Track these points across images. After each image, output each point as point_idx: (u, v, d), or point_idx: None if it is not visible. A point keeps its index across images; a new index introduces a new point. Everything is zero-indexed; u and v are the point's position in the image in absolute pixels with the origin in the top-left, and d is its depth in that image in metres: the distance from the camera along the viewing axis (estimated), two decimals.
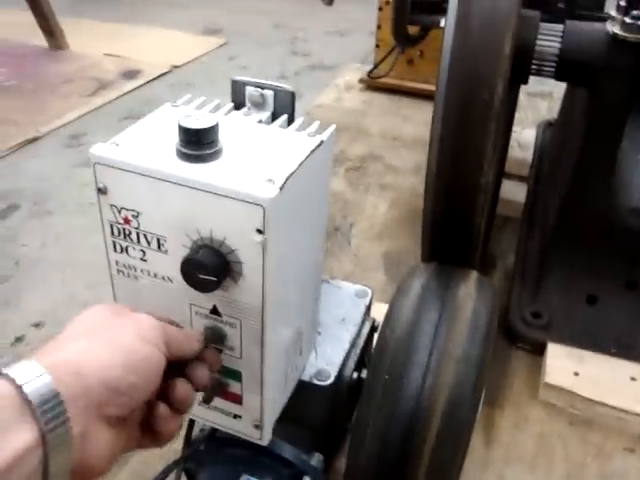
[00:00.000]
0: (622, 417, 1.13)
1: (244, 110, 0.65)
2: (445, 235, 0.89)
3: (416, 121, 2.09)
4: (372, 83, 2.31)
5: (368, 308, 0.90)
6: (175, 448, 0.80)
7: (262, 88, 0.63)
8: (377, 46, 2.30)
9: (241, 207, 0.49)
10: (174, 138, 0.53)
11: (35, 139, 2.00)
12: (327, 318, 0.86)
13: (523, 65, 1.10)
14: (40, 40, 2.68)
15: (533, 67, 1.11)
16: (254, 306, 0.55)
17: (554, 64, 1.10)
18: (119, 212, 0.55)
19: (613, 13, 1.07)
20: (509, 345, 1.26)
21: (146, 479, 0.98)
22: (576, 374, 1.16)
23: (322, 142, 0.58)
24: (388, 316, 0.80)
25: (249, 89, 0.63)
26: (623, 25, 1.02)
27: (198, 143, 0.51)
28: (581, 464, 1.06)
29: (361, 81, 2.34)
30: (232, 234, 0.51)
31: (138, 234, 0.55)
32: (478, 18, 0.89)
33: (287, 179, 0.50)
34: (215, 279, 0.52)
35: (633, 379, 1.17)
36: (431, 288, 0.81)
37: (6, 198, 1.71)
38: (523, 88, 1.23)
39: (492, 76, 0.88)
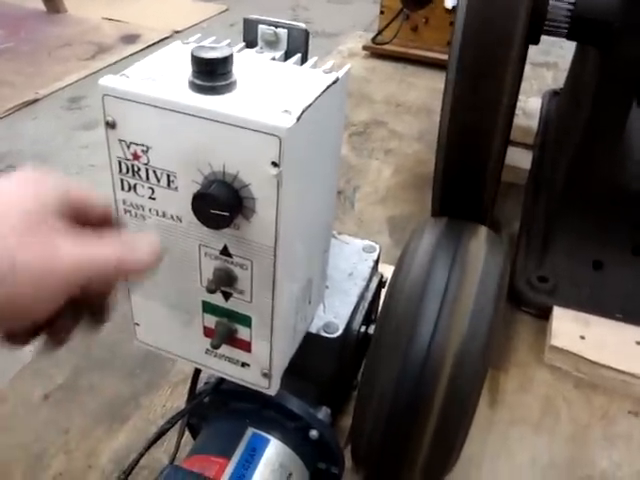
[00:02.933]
0: (627, 380, 1.12)
1: (257, 49, 0.62)
2: (457, 188, 0.87)
3: (420, 88, 2.06)
4: (376, 50, 2.28)
5: (376, 263, 0.89)
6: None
7: (275, 27, 0.61)
8: (381, 12, 2.26)
9: (256, 138, 0.47)
10: (186, 71, 0.51)
11: (34, 101, 1.98)
12: (335, 272, 0.84)
13: (535, 24, 1.07)
14: (38, 3, 2.64)
15: (546, 26, 1.09)
16: (267, 245, 0.54)
17: (567, 23, 1.08)
18: (128, 147, 0.53)
19: None
20: (515, 309, 1.25)
21: (148, 434, 0.97)
22: (582, 337, 1.15)
23: (338, 79, 0.56)
24: (397, 270, 0.79)
25: (262, 27, 0.61)
26: None
27: (212, 74, 0.49)
28: (586, 426, 1.06)
29: (365, 48, 2.31)
30: (246, 167, 0.50)
31: (147, 170, 0.53)
32: None
33: (304, 111, 0.48)
34: (227, 214, 0.50)
35: (638, 343, 1.16)
36: (441, 242, 0.79)
37: (4, 160, 1.69)
38: (528, 58, 1.20)
39: (509, 34, 0.86)
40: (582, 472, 0.99)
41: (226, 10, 2.81)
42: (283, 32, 0.62)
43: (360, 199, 1.51)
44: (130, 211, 0.58)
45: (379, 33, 2.19)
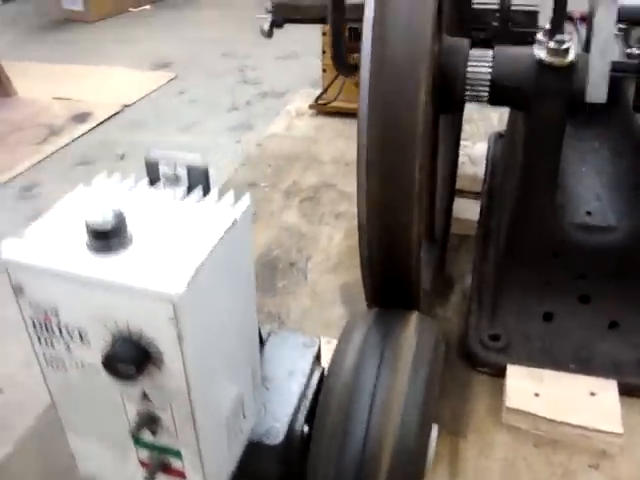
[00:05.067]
0: (584, 434, 1.13)
1: (159, 185, 0.64)
2: (383, 279, 0.89)
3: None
4: (322, 108, 2.32)
5: (317, 357, 0.90)
6: None
7: (175, 166, 0.63)
8: (324, 71, 2.31)
9: (152, 302, 0.49)
10: (84, 228, 0.52)
11: None
12: (276, 371, 0.86)
13: (455, 92, 1.11)
14: None
15: (467, 94, 1.12)
16: (180, 390, 0.55)
17: (487, 90, 1.11)
18: (38, 308, 0.54)
19: (540, 37, 1.08)
20: (470, 369, 1.26)
21: None
22: (537, 395, 1.17)
23: (235, 221, 0.57)
24: (331, 367, 0.80)
25: (162, 167, 0.63)
26: (549, 50, 1.03)
27: (106, 238, 0.51)
28: None
29: (311, 107, 2.34)
30: (148, 325, 0.51)
31: (60, 327, 0.55)
32: (393, 53, 0.88)
33: (197, 271, 0.50)
34: (135, 370, 0.51)
35: (592, 394, 1.18)
36: (371, 336, 0.81)
37: None
38: None
39: (411, 112, 0.86)
40: None
41: (175, 78, 2.85)
42: (183, 172, 0.63)
43: (312, 269, 1.53)
44: (51, 363, 0.59)
45: (322, 93, 2.24)
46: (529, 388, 1.18)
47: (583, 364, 1.23)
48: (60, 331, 0.55)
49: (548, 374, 1.21)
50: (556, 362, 1.23)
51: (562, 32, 1.04)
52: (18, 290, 0.54)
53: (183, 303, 0.49)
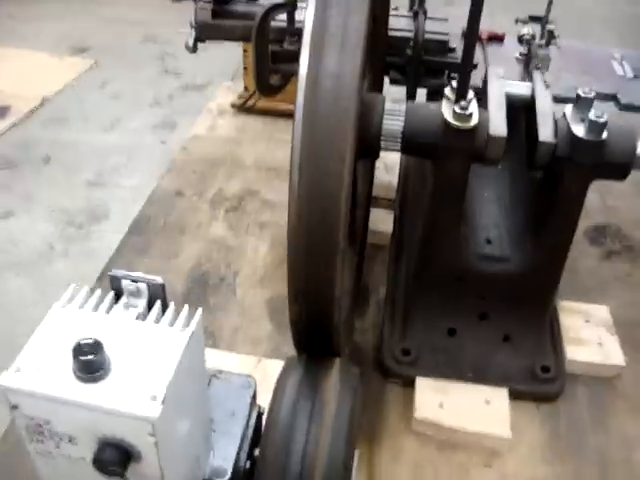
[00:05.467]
0: (480, 438, 1.33)
1: (123, 301, 0.75)
2: (307, 333, 1.03)
3: (288, 145, 2.20)
4: (241, 106, 2.38)
5: (253, 397, 1.04)
6: None
7: (136, 282, 0.74)
8: (245, 68, 2.37)
9: (135, 421, 0.61)
10: (68, 354, 0.64)
11: None
12: (220, 414, 0.99)
13: (372, 143, 1.23)
14: None
15: (382, 145, 1.25)
16: (156, 476, 0.67)
17: (399, 143, 1.24)
18: (31, 419, 0.65)
19: (447, 93, 1.21)
20: (384, 380, 1.43)
21: None
22: (441, 405, 1.35)
23: (192, 334, 0.70)
24: (269, 415, 0.94)
25: (125, 282, 0.74)
26: (454, 114, 1.17)
27: (90, 369, 0.62)
28: None
29: (233, 106, 2.41)
30: (130, 435, 0.63)
31: (51, 434, 0.66)
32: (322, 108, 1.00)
33: (167, 390, 0.62)
34: (121, 469, 0.64)
35: (487, 402, 1.37)
36: (302, 384, 0.96)
37: None
38: None
39: (340, 164, 0.98)
40: None
41: (94, 65, 2.83)
42: (143, 286, 0.74)
43: (240, 283, 1.65)
44: (42, 454, 0.70)
45: (249, 97, 2.29)
46: (434, 399, 1.36)
47: (480, 373, 1.42)
48: (51, 436, 0.66)
49: (451, 386, 1.39)
50: (458, 372, 1.41)
51: (465, 97, 1.18)
52: (14, 407, 0.65)
53: (159, 421, 0.61)
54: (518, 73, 1.55)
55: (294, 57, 1.69)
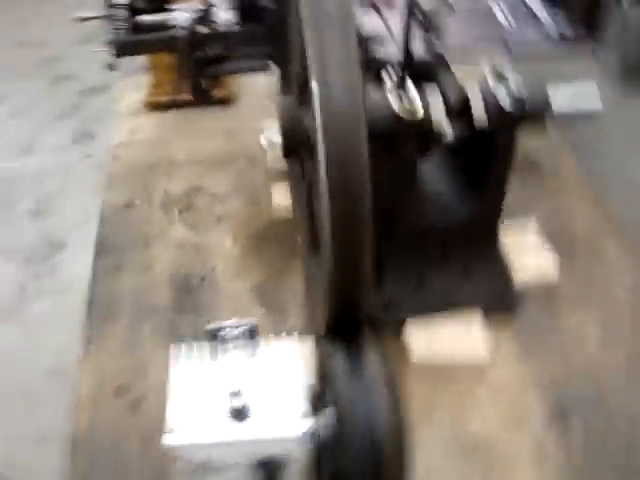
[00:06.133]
0: (468, 360, 1.58)
1: (228, 345, 0.90)
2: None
3: (212, 131, 2.30)
4: (157, 102, 2.43)
5: None
6: None
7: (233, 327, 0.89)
8: (151, 69, 2.41)
9: (290, 442, 0.78)
10: (213, 402, 0.79)
11: None
12: None
13: None
14: None
15: None
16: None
17: None
18: (194, 464, 0.81)
19: (389, 86, 1.39)
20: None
21: None
22: (430, 340, 1.60)
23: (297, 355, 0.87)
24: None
25: (224, 331, 0.89)
26: (402, 110, 1.35)
27: (242, 410, 0.79)
28: None
29: (146, 104, 2.45)
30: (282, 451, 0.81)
31: (209, 469, 0.82)
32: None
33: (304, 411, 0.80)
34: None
35: (465, 329, 1.63)
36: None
37: None
38: None
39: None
40: None
41: None
42: (241, 329, 0.90)
43: (221, 279, 1.79)
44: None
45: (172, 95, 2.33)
46: (424, 338, 1.59)
47: (452, 305, 1.66)
48: (209, 470, 0.82)
49: (434, 321, 1.62)
50: (435, 308, 1.65)
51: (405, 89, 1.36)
52: (177, 459, 0.80)
53: (303, 437, 0.79)
54: None
55: (220, 60, 1.82)
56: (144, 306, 1.73)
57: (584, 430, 1.50)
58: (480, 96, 1.43)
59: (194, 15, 1.72)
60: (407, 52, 1.40)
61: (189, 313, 1.70)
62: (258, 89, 2.28)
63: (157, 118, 2.42)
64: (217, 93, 2.21)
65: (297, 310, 1.71)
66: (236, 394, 0.78)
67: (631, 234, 1.94)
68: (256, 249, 1.88)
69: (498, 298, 1.71)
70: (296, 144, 1.39)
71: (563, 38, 1.87)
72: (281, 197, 1.98)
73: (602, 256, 1.89)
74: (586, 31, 1.99)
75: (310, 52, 1.04)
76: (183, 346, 0.90)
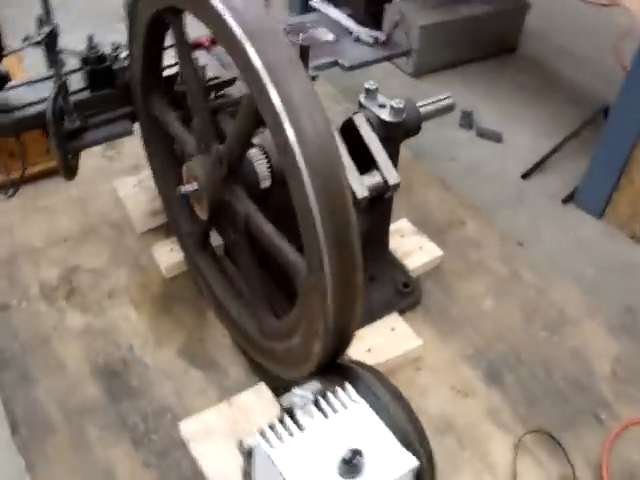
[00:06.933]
0: (407, 354, 1.72)
1: (299, 413, 0.94)
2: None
3: (62, 204, 2.18)
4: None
5: None
6: None
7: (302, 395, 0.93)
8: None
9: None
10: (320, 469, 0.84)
11: None
12: None
13: None
14: None
15: None
16: None
17: None
18: None
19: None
20: None
21: None
22: (369, 350, 1.70)
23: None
24: None
25: (294, 401, 0.93)
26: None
27: (356, 468, 0.84)
28: None
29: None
30: None
31: None
32: None
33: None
34: None
35: (392, 329, 1.77)
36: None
37: None
38: None
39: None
40: None
41: None
42: (307, 394, 0.94)
43: (144, 354, 1.75)
44: None
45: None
46: (361, 347, 1.69)
47: (373, 313, 1.78)
48: None
49: (365, 331, 1.73)
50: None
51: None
52: None
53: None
54: None
55: (82, 131, 1.72)
56: (77, 408, 1.62)
57: (517, 383, 1.73)
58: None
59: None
60: None
61: (128, 399, 1.64)
62: (93, 149, 2.19)
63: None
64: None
65: (233, 360, 1.73)
66: (350, 456, 0.83)
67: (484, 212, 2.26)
68: (165, 312, 1.85)
69: (404, 293, 1.87)
70: (221, 204, 1.42)
71: (376, 42, 2.12)
72: (166, 256, 1.97)
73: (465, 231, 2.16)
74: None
75: (274, 101, 1.08)
76: (257, 434, 0.92)
